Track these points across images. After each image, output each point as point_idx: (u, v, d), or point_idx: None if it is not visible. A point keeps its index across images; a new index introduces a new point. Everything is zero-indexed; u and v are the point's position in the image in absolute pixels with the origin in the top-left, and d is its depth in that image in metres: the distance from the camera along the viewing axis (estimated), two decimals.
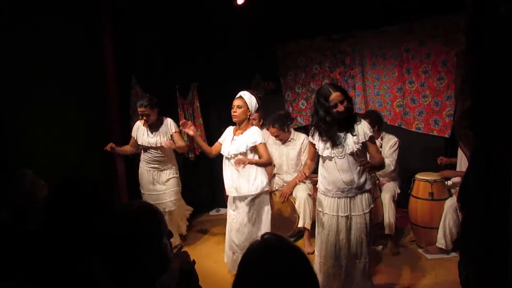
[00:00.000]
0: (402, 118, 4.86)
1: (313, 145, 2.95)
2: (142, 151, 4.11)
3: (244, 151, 3.30)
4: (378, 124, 4.12)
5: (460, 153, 3.91)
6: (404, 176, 4.34)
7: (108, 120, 4.13)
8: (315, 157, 3.04)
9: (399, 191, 4.21)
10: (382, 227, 4.01)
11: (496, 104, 1.48)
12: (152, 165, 4.06)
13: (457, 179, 4.04)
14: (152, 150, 4.01)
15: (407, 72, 4.73)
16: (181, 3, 4.71)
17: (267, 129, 4.49)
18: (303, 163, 4.28)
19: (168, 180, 4.12)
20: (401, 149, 4.21)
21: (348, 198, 2.82)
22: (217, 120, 5.60)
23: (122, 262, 1.30)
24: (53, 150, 3.44)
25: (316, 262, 3.01)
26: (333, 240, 2.89)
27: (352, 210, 2.84)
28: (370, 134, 2.79)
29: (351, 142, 2.74)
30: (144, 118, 3.88)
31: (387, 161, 4.08)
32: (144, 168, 4.10)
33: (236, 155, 3.31)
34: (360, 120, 2.81)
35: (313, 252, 4.09)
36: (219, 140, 3.56)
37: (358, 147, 2.74)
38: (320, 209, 2.98)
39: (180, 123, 3.46)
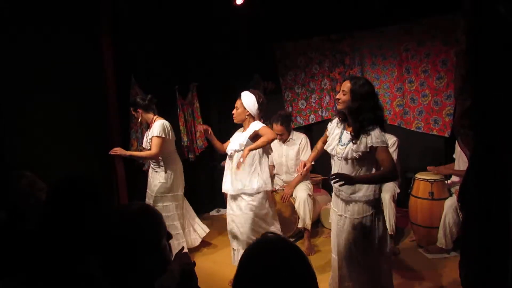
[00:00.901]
0: (401, 117, 4.86)
1: (327, 137, 2.90)
2: None
3: (244, 142, 3.28)
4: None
5: (457, 152, 3.92)
6: (404, 176, 4.34)
7: (107, 120, 4.13)
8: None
9: (399, 190, 4.20)
10: None
11: (495, 104, 1.48)
12: (151, 166, 4.06)
13: (455, 178, 4.04)
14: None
15: (407, 72, 4.73)
16: (181, 4, 4.71)
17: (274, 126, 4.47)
18: None
19: (155, 184, 3.92)
20: (401, 148, 4.21)
21: (344, 201, 2.77)
22: (216, 121, 5.59)
23: (120, 263, 1.30)
24: (53, 150, 3.44)
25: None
26: (335, 237, 2.87)
27: (345, 212, 2.77)
28: (375, 143, 2.54)
29: (349, 148, 2.64)
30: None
31: None
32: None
33: (237, 151, 3.30)
34: (369, 133, 2.56)
35: (314, 253, 4.12)
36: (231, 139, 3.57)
37: (355, 155, 2.60)
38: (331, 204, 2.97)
39: (202, 129, 3.51)
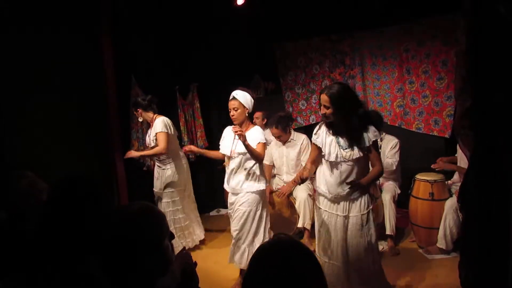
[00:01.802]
0: (402, 118, 4.86)
1: (318, 148, 2.91)
2: None
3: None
4: (379, 124, 4.10)
5: (459, 153, 3.91)
6: (404, 177, 4.34)
7: (107, 120, 4.13)
8: (317, 161, 3.00)
9: (399, 191, 4.21)
10: (383, 227, 4.00)
11: (496, 104, 1.48)
12: (157, 164, 4.13)
13: (456, 177, 4.03)
14: None
15: (407, 72, 4.73)
16: (181, 4, 4.71)
17: (270, 129, 4.49)
18: (303, 164, 4.28)
19: (163, 181, 4.07)
20: (402, 149, 4.21)
21: (348, 201, 2.82)
22: (217, 121, 5.59)
23: (121, 262, 1.30)
24: (53, 150, 3.44)
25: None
26: (334, 239, 2.89)
27: (350, 211, 2.83)
28: (373, 139, 2.73)
29: (355, 149, 2.72)
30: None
31: (389, 161, 4.08)
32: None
33: (241, 154, 3.28)
34: (367, 128, 2.72)
35: (314, 253, 4.11)
36: (220, 142, 3.56)
37: (362, 154, 2.71)
38: (320, 207, 2.97)
39: (184, 148, 3.58)
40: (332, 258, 2.91)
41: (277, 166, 4.64)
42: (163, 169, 4.06)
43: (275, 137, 4.44)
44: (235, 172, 3.36)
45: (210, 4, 4.84)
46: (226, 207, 3.71)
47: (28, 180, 2.05)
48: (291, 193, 4.40)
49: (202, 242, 4.46)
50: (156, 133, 3.87)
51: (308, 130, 5.41)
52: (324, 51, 5.27)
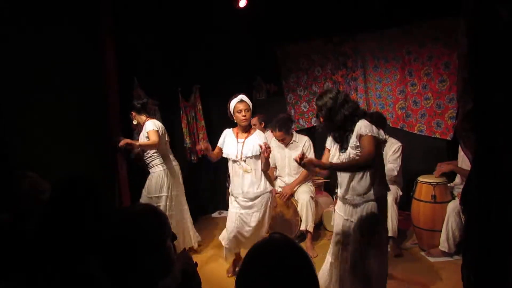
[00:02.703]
0: (404, 120, 4.85)
1: (328, 151, 2.98)
2: None
3: (258, 153, 3.42)
4: (382, 126, 4.09)
5: (460, 155, 3.89)
6: (406, 179, 4.32)
7: (108, 120, 4.13)
8: None
9: (401, 193, 4.19)
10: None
11: (498, 107, 1.48)
12: (149, 169, 4.14)
13: (458, 179, 4.02)
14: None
15: (409, 75, 4.72)
16: (182, 5, 4.71)
17: (271, 131, 4.49)
18: None
19: (151, 185, 4.08)
20: (404, 151, 4.19)
21: (352, 205, 2.80)
22: (218, 122, 5.58)
23: (122, 263, 1.29)
24: (53, 150, 3.43)
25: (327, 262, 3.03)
26: (339, 240, 2.89)
27: (352, 216, 2.80)
28: (363, 132, 2.62)
29: (349, 148, 2.73)
30: None
31: (391, 166, 4.04)
32: None
33: (249, 157, 3.42)
34: (357, 125, 2.67)
35: (316, 256, 4.10)
36: (218, 144, 3.63)
37: (354, 153, 2.69)
38: (335, 208, 3.05)
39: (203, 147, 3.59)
40: (336, 259, 2.92)
41: (279, 168, 4.63)
42: (151, 173, 4.08)
43: (279, 139, 4.44)
44: (245, 176, 3.47)
45: (211, 5, 4.85)
46: (227, 209, 3.72)
47: (31, 181, 2.05)
48: (293, 195, 4.39)
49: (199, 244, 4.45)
50: (147, 132, 3.89)
51: (310, 132, 5.42)
52: (325, 53, 5.27)
